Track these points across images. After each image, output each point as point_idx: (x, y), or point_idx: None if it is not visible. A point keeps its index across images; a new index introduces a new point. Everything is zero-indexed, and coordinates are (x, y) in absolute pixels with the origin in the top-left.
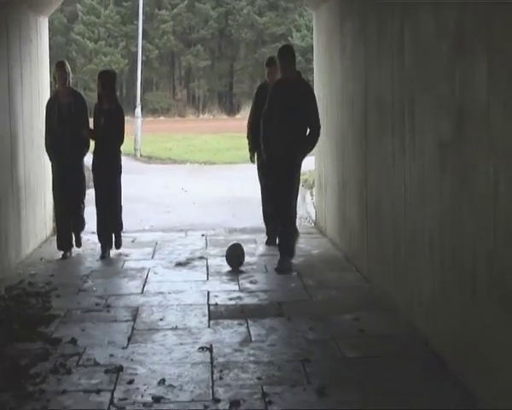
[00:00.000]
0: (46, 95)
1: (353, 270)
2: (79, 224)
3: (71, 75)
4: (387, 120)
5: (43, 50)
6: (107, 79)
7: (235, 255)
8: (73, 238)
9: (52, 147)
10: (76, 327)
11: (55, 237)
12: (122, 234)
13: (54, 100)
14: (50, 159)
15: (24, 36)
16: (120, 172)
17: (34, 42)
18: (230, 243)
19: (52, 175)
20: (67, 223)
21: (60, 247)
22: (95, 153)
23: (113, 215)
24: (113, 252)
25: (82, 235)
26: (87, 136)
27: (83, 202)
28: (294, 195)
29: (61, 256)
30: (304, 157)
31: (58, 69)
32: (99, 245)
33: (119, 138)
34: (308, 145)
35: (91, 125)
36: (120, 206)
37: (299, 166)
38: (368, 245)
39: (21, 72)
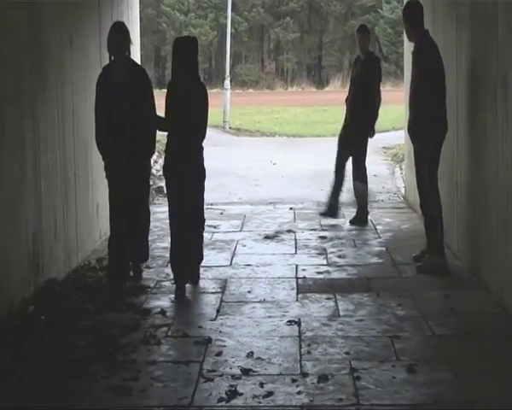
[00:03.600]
0: None
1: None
2: (141, 251)
3: (132, 44)
4: (479, 96)
5: (135, 24)
6: (190, 48)
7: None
8: (131, 267)
9: (105, 142)
10: (165, 298)
11: (107, 263)
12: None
13: (106, 77)
14: (104, 159)
15: (116, 10)
16: (205, 178)
17: (126, 16)
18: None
19: (107, 181)
20: (123, 249)
21: (111, 277)
22: (169, 152)
23: (193, 240)
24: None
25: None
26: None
27: (147, 221)
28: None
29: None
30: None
31: (114, 34)
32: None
33: (202, 131)
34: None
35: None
36: (202, 228)
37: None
38: (458, 222)
39: None
